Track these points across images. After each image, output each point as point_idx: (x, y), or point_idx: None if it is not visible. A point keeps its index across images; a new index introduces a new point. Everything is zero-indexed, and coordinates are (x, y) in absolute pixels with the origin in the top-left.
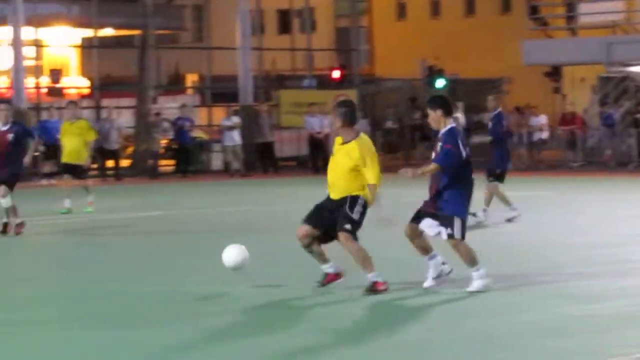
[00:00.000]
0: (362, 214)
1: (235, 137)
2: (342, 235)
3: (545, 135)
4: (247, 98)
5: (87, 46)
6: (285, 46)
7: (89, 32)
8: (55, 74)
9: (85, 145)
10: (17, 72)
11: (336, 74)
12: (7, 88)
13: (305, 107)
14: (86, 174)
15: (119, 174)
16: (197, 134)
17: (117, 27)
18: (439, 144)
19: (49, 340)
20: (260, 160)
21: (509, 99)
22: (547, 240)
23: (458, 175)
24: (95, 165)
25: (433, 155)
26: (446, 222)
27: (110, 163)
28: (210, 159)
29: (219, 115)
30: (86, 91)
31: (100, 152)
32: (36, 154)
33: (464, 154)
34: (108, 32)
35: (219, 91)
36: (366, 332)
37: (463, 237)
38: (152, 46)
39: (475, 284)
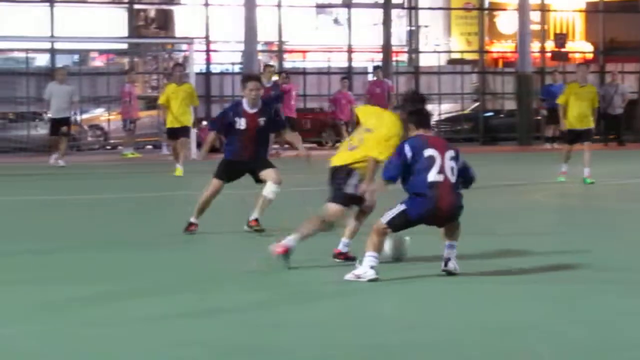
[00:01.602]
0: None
1: None
2: None
3: None
4: None
5: (592, 10)
6: None
7: None
8: (560, 39)
9: (591, 110)
10: (523, 36)
11: None
12: (512, 52)
13: None
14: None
15: (621, 140)
16: None
17: None
18: None
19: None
20: None
21: None
22: None
23: None
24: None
25: None
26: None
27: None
28: None
29: None
30: (590, 56)
31: (604, 117)
32: (538, 117)
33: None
34: None
35: None
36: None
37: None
38: None
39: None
